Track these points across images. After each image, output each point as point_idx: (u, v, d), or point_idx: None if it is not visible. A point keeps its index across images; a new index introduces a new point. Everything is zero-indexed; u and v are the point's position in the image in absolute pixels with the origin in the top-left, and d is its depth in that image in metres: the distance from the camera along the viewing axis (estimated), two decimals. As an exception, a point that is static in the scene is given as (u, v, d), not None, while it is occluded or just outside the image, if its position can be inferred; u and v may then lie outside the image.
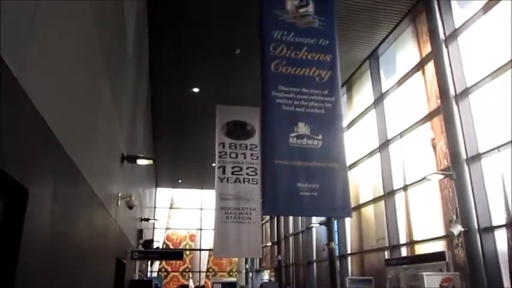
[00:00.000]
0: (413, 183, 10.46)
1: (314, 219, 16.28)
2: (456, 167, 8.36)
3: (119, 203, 6.97)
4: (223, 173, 11.71)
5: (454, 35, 9.14)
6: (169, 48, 12.09)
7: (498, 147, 7.77)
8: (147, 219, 15.97)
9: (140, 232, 13.48)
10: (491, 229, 7.89)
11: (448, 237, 8.91)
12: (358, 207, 13.22)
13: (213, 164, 12.12)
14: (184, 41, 11.65)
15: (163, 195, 29.35)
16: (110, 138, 6.06)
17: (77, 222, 3.98)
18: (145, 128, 13.46)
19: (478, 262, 7.77)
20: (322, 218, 15.09)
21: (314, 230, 17.31)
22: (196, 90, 14.47)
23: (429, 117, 9.99)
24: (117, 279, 7.54)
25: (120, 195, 7.02)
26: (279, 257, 20.76)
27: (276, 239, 22.29)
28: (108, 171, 6.00)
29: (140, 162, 7.48)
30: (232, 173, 11.69)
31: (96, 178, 4.79)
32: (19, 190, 2.40)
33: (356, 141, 13.79)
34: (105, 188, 5.69)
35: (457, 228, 8.00)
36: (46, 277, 2.99)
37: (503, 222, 7.58)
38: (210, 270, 30.34)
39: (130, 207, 7.73)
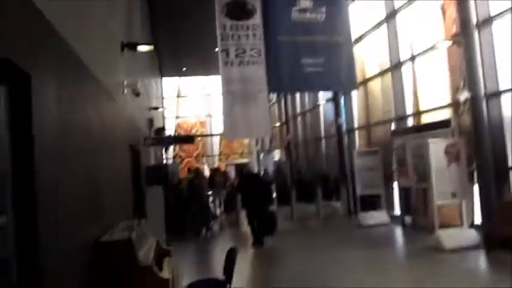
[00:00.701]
0: (421, 53, 10.24)
1: (321, 97, 16.35)
2: (465, 33, 8.09)
3: (125, 91, 7.00)
4: (227, 56, 11.45)
5: None
6: None
7: (510, 9, 7.44)
8: (156, 108, 16.19)
9: (151, 121, 13.75)
10: (498, 94, 7.90)
11: (454, 105, 8.97)
12: (365, 82, 13.16)
13: (216, 49, 11.86)
14: None
15: (170, 84, 29.35)
16: (108, 27, 5.89)
17: (84, 109, 4.04)
18: (143, 14, 12.98)
19: (483, 127, 7.90)
20: (329, 95, 15.16)
21: (321, 107, 17.49)
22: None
23: (440, -19, 9.44)
24: (134, 165, 7.89)
25: (125, 83, 7.02)
26: (289, 136, 21.31)
27: (284, 119, 22.69)
28: (110, 59, 5.93)
29: (140, 48, 7.32)
30: (236, 56, 11.43)
31: (98, 66, 4.75)
32: (21, 76, 2.40)
33: (362, 13, 13.22)
34: (109, 76, 5.67)
35: (464, 95, 8.03)
36: (60, 165, 3.12)
37: (510, 87, 7.57)
38: (223, 153, 31.50)
39: (137, 94, 7.77)
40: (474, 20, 8.07)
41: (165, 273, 4.33)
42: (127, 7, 8.54)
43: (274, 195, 18.29)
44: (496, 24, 7.91)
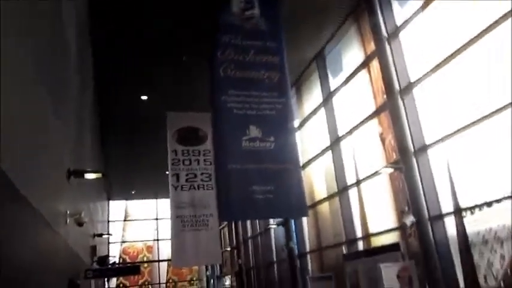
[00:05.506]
0: (365, 178, 10.69)
1: (271, 220, 16.33)
2: (405, 160, 8.60)
3: (68, 221, 6.63)
4: (177, 180, 11.51)
5: (395, 32, 9.41)
6: (115, 57, 11.71)
7: (442, 139, 8.07)
8: (100, 235, 15.41)
9: (94, 248, 12.97)
10: (440, 217, 8.17)
11: (402, 228, 9.16)
12: (314, 205, 13.36)
13: (167, 172, 11.88)
14: (130, 48, 11.35)
15: (117, 207, 28.55)
16: (54, 155, 5.76)
17: (20, 246, 3.72)
18: (93, 139, 12.98)
19: (431, 250, 8.02)
20: (280, 219, 15.17)
21: (272, 231, 17.35)
22: (144, 97, 14.15)
23: (376, 113, 10.24)
24: (71, 300, 7.18)
25: (68, 212, 6.69)
26: (239, 261, 20.67)
27: (235, 243, 22.19)
28: (54, 189, 5.69)
29: (88, 176, 7.14)
30: (187, 180, 11.52)
31: (40, 198, 4.51)
32: None
33: (308, 140, 13.94)
34: (52, 208, 5.38)
35: (410, 219, 8.26)
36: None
37: (451, 210, 7.89)
38: (170, 281, 29.76)
39: (80, 224, 7.38)
40: (411, 147, 8.66)
41: None
42: (76, 133, 8.52)
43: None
44: (432, 151, 8.48)
